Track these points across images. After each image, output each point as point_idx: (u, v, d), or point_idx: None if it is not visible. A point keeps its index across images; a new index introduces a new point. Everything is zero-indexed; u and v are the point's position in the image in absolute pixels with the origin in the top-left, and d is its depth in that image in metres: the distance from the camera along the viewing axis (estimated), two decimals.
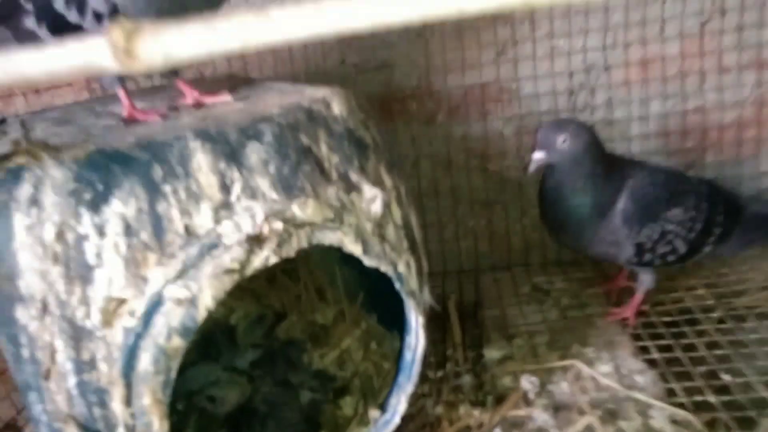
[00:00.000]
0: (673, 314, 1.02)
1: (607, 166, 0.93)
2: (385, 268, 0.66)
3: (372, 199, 0.67)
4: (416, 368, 0.72)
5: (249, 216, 0.60)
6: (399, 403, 0.73)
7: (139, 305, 0.57)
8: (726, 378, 0.86)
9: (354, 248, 0.63)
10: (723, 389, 0.84)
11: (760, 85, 1.18)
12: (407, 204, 0.77)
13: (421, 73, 1.21)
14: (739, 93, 1.19)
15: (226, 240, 0.59)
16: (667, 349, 0.94)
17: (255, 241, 0.58)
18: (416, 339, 0.72)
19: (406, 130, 1.24)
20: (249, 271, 0.58)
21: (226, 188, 0.61)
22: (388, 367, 0.93)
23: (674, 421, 0.78)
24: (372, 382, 0.92)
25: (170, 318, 0.56)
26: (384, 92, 1.22)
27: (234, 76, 1.16)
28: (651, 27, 1.16)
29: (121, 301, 0.57)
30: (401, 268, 0.68)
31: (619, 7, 1.16)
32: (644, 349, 0.94)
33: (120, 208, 0.58)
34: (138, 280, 0.57)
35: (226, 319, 1.08)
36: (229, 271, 0.57)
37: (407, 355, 0.73)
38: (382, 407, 0.75)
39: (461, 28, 1.18)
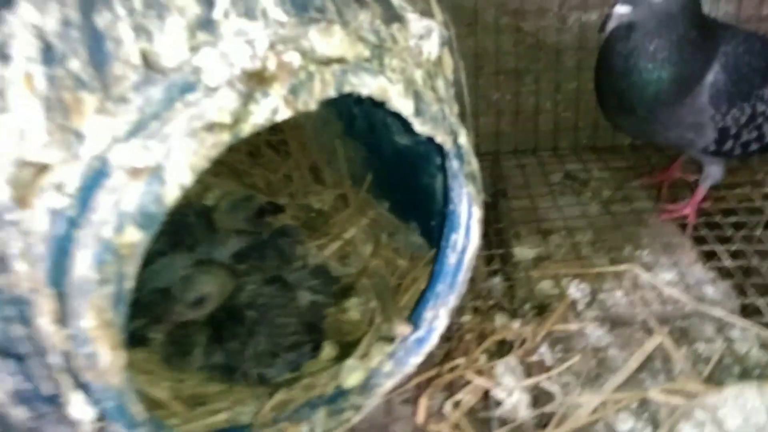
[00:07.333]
0: (740, 213, 0.86)
1: (701, 31, 0.72)
2: (442, 137, 0.45)
3: (423, 34, 0.46)
4: (462, 275, 0.54)
5: (245, 42, 0.38)
6: (436, 319, 0.56)
7: (72, 175, 0.36)
8: None
9: (403, 104, 0.42)
10: None
11: None
12: (458, 54, 0.56)
13: None
14: None
15: (209, 78, 0.37)
16: (739, 255, 0.78)
17: (256, 80, 0.37)
18: (466, 238, 0.53)
19: None
20: (246, 129, 0.37)
21: None
22: (404, 265, 0.76)
23: (765, 344, 0.64)
24: (385, 282, 0.74)
25: (122, 198, 0.35)
26: None
27: None
28: None
29: (43, 168, 0.36)
30: (462, 139, 0.47)
31: None
32: (711, 255, 0.79)
33: (33, 16, 0.36)
34: (68, 136, 0.36)
35: (199, 198, 0.88)
36: (214, 127, 0.36)
37: (450, 258, 0.55)
38: (413, 321, 0.58)
39: None
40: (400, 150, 0.75)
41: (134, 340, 0.66)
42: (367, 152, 0.85)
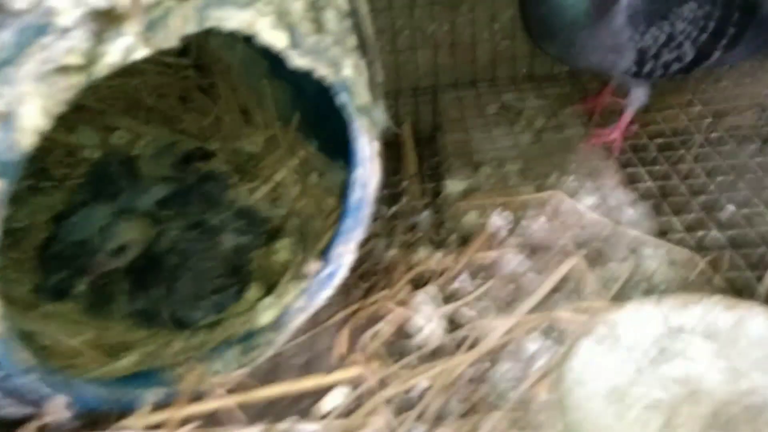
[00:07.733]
0: (667, 136, 0.87)
1: None
2: (323, 70, 0.45)
3: None
4: (366, 209, 0.55)
5: None
6: (345, 254, 0.56)
7: None
8: (730, 208, 0.73)
9: (275, 37, 0.42)
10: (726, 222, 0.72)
11: None
12: None
13: None
14: None
15: (62, 19, 0.36)
16: (661, 177, 0.80)
17: (108, 19, 0.36)
18: (367, 172, 0.53)
19: None
20: (100, 69, 0.36)
21: None
22: (332, 203, 0.76)
23: (673, 262, 0.66)
24: (313, 222, 0.75)
25: None
26: None
27: None
28: None
29: None
30: (347, 71, 0.47)
31: None
32: (635, 177, 0.80)
33: None
34: None
35: (127, 148, 0.86)
36: (67, 70, 0.35)
37: (356, 193, 0.55)
38: (324, 257, 0.59)
39: None
40: (323, 88, 0.74)
41: (58, 293, 0.66)
42: (293, 92, 0.84)
